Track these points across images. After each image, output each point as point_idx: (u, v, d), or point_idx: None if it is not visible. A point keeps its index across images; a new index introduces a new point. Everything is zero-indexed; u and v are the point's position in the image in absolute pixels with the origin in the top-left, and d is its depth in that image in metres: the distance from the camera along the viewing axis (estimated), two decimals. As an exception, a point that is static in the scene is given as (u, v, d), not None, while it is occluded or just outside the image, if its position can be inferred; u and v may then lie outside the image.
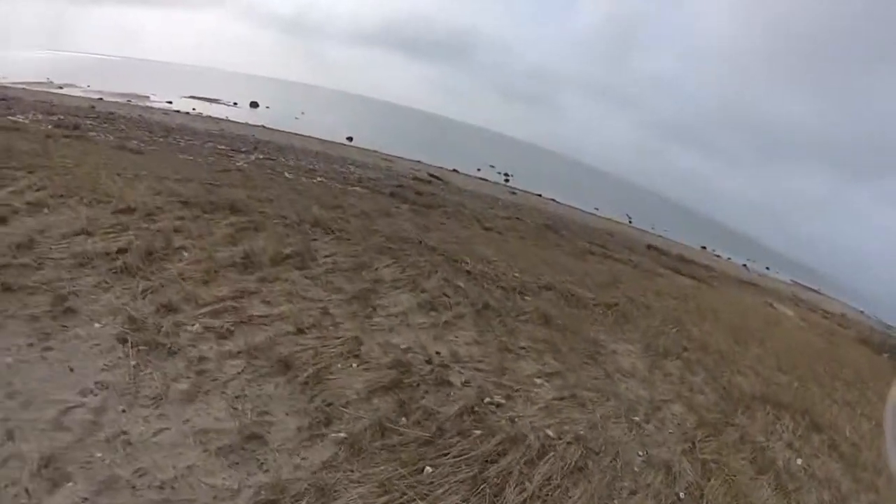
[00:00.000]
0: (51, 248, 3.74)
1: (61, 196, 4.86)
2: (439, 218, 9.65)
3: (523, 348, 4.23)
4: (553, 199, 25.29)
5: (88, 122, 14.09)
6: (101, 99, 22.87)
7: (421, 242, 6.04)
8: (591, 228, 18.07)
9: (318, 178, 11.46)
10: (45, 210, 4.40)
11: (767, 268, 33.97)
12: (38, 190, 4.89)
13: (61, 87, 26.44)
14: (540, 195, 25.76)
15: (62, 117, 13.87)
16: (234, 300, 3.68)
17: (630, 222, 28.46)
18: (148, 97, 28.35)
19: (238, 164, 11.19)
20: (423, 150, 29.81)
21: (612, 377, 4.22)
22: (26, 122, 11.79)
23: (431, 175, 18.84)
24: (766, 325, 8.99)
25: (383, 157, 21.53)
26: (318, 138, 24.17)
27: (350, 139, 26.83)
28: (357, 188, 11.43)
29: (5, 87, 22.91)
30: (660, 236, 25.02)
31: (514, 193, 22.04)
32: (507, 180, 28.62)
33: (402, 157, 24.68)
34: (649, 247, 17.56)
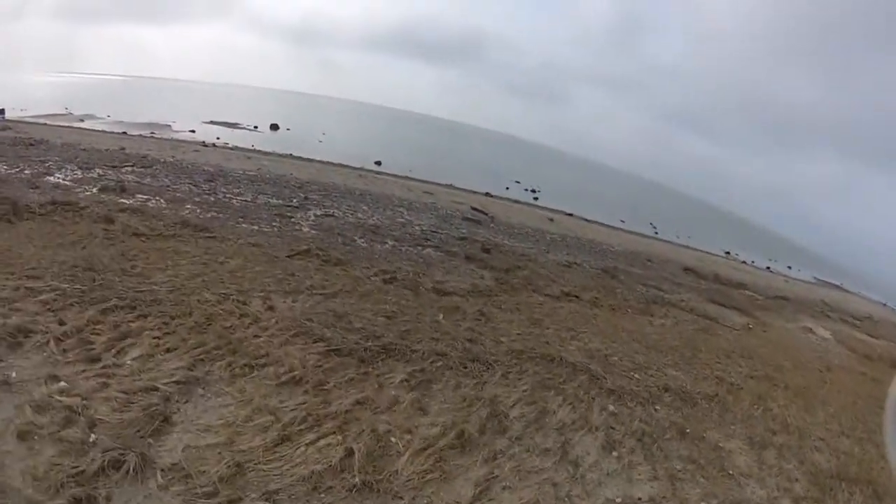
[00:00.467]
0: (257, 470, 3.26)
1: (202, 359, 4.34)
2: (527, 293, 9.73)
3: (680, 470, 4.97)
4: (584, 218, 26.05)
5: (129, 175, 13.69)
6: (125, 134, 22.34)
7: (561, 359, 6.50)
8: (632, 255, 19.19)
9: (389, 243, 11.05)
10: (221, 394, 3.85)
11: (789, 267, 35.77)
12: (167, 350, 4.41)
13: (82, 120, 25.84)
14: (571, 214, 26.30)
15: (101, 172, 13.43)
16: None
17: (656, 233, 30.09)
18: (170, 126, 27.79)
19: (304, 229, 10.90)
20: (450, 170, 30.01)
21: (738, 481, 5.04)
22: (70, 184, 11.46)
23: (475, 210, 18.88)
24: (819, 375, 10.21)
25: (422, 189, 21.11)
26: (350, 167, 24.19)
27: (378, 163, 26.33)
28: (430, 250, 11.14)
29: (28, 124, 22.53)
30: (686, 247, 26.70)
31: (551, 220, 22.16)
32: (535, 198, 29.32)
33: (435, 183, 24.60)
34: (686, 269, 19.28)
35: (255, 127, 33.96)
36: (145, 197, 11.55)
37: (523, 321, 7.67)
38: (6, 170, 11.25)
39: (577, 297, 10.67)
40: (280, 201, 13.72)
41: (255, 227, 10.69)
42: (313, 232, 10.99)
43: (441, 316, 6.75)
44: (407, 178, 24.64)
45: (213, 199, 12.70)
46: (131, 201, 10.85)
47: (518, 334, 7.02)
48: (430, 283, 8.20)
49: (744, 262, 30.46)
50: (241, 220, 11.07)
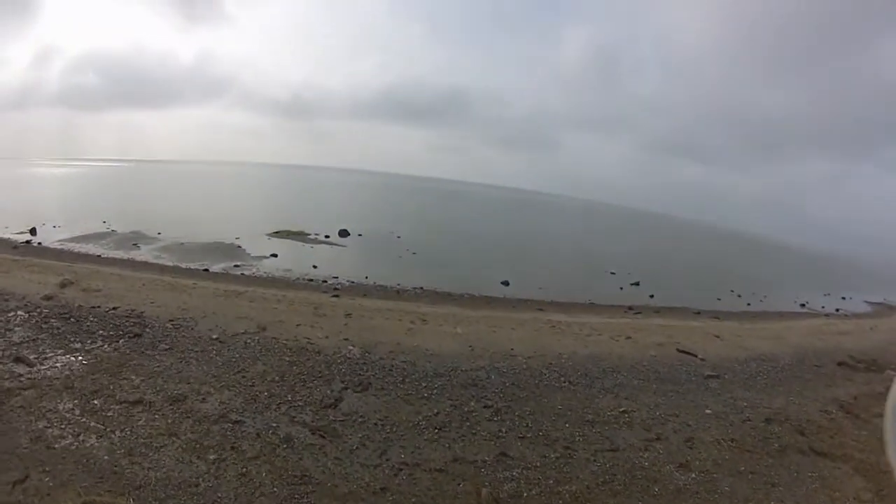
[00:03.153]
0: None
1: None
2: None
3: None
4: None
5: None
6: (207, 271, 17.00)
7: None
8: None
9: None
10: None
11: (843, 297, 31.14)
12: None
13: (136, 245, 20.87)
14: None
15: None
16: None
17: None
18: (240, 247, 22.89)
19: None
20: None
21: None
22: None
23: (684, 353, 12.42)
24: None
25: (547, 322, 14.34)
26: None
27: (506, 284, 21.16)
28: None
29: (82, 260, 18.35)
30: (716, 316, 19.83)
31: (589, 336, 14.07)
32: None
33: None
34: (840, 364, 13.76)
35: (327, 236, 29.34)
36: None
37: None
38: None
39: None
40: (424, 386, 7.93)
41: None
42: None
43: None
44: (539, 302, 18.45)
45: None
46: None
47: None
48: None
49: (839, 311, 26.05)
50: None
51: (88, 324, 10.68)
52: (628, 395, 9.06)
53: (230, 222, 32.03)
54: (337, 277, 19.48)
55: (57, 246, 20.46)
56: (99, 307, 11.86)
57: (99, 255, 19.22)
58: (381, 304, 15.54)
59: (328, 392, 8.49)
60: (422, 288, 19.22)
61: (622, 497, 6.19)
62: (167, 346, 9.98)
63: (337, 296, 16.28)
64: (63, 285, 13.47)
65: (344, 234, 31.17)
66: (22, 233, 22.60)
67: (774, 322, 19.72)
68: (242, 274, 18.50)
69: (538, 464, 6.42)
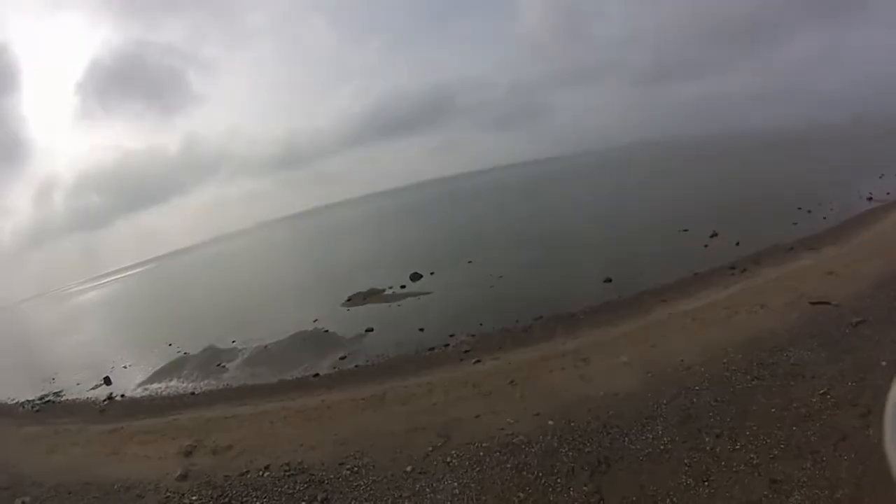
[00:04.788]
0: None
1: None
2: None
3: None
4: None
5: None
6: (318, 377, 15.89)
7: None
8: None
9: None
10: None
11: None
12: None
13: (222, 365, 18.92)
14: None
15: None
16: None
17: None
18: (325, 330, 20.83)
19: None
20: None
21: None
22: None
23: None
24: None
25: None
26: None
27: (609, 280, 18.94)
28: None
29: (174, 407, 17.28)
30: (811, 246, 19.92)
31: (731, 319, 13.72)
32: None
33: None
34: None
35: (403, 286, 27.98)
36: None
37: None
38: None
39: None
40: None
41: None
42: None
43: None
44: (653, 293, 17.15)
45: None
46: None
47: None
48: None
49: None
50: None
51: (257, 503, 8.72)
52: (812, 373, 9.28)
53: (293, 303, 30.51)
54: (454, 335, 17.52)
55: (142, 394, 18.92)
56: (248, 473, 10.01)
57: (193, 393, 17.53)
58: (527, 355, 14.19)
59: (581, 483, 7.63)
60: (541, 317, 17.98)
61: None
62: (376, 508, 8.03)
63: (479, 360, 14.39)
64: (187, 453, 11.71)
65: (416, 277, 29.35)
66: (97, 386, 21.25)
67: (863, 232, 20.27)
68: (357, 366, 16.68)
69: (807, 480, 6.57)
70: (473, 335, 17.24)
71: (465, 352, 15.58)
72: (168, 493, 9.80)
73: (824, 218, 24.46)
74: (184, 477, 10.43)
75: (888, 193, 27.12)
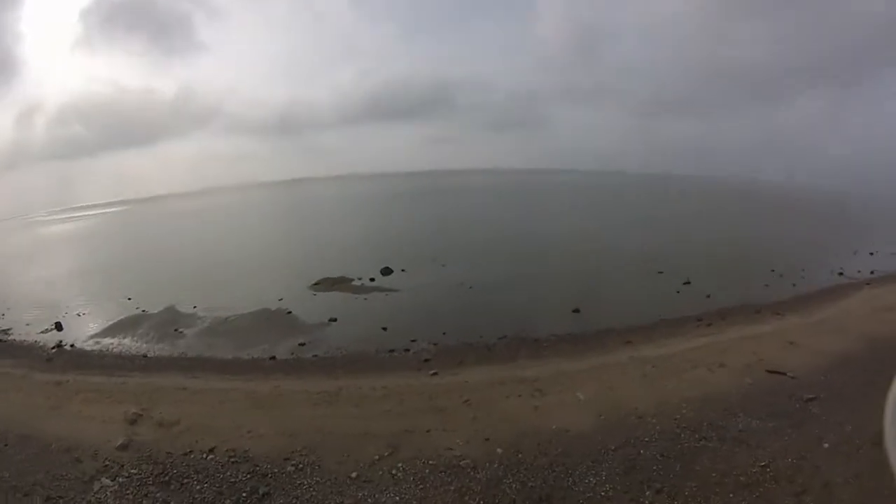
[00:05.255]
0: None
1: None
2: None
3: None
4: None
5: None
6: (275, 360, 16.14)
7: None
8: None
9: None
10: None
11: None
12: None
13: (179, 330, 18.69)
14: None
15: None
16: None
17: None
18: (288, 311, 21.15)
19: None
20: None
21: None
22: None
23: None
24: None
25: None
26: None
27: (577, 311, 19.14)
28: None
29: (124, 368, 17.36)
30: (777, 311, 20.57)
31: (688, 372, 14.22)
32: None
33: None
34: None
35: (372, 279, 27.92)
36: None
37: None
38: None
39: None
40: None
41: None
42: None
43: None
44: (619, 332, 17.29)
45: None
46: None
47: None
48: None
49: (874, 273, 27.20)
50: None
51: (198, 488, 8.85)
52: (757, 443, 9.53)
53: (262, 277, 30.20)
54: (416, 340, 17.72)
55: (93, 347, 18.54)
56: (192, 453, 9.99)
57: (146, 356, 17.27)
58: (485, 375, 14.36)
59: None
60: (505, 336, 18.14)
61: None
62: (316, 509, 8.17)
63: (437, 373, 14.62)
64: (132, 421, 11.59)
65: (387, 272, 29.37)
66: (47, 330, 20.70)
67: (829, 306, 20.87)
68: (315, 356, 16.68)
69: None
70: (436, 344, 17.38)
71: (425, 361, 15.72)
72: (107, 462, 9.70)
73: (794, 285, 25.13)
74: (125, 447, 10.32)
75: (859, 272, 28.01)
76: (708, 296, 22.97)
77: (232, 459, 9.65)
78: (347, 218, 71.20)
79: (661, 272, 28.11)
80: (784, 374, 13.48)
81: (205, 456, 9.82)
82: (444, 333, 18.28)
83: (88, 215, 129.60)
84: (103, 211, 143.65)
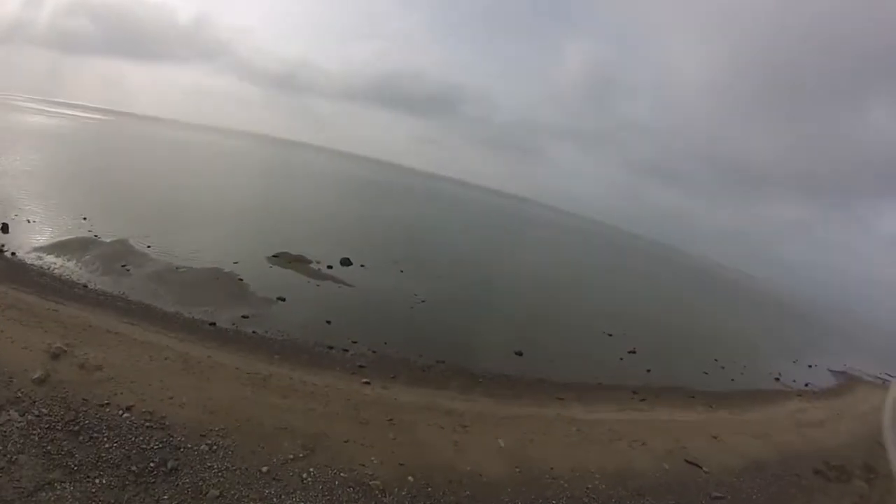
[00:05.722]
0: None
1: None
2: None
3: None
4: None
5: None
6: (215, 326, 16.51)
7: None
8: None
9: None
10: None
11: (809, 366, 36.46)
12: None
13: (126, 267, 18.37)
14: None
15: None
16: None
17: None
18: (240, 278, 21.14)
19: None
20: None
21: None
22: None
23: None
24: None
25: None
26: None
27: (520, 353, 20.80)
28: None
29: (60, 295, 17.31)
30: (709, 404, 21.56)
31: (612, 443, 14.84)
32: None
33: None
34: (816, 472, 16.54)
35: (330, 267, 28.07)
36: None
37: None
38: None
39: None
40: None
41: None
42: None
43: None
44: (555, 385, 18.05)
45: None
46: None
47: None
48: None
49: (808, 386, 29.66)
50: None
51: (107, 445, 8.74)
52: None
53: (225, 229, 29.81)
54: (356, 342, 17.97)
55: (34, 261, 18.01)
56: (108, 406, 9.86)
57: (86, 286, 16.85)
58: (414, 398, 14.64)
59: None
60: (443, 361, 18.45)
61: None
62: (217, 493, 8.22)
63: (369, 382, 14.83)
64: (55, 355, 11.32)
65: (346, 263, 29.42)
66: (-7, 224, 19.84)
67: (758, 409, 22.05)
68: (255, 333, 16.63)
69: None
70: (374, 351, 17.57)
71: (360, 367, 15.88)
72: (19, 394, 9.47)
73: (732, 380, 26.54)
74: (41, 381, 10.07)
75: (794, 381, 29.99)
76: (649, 370, 23.76)
77: (147, 423, 9.57)
78: (325, 194, 70.57)
79: (611, 335, 28.87)
80: (700, 467, 14.21)
81: (121, 413, 9.68)
82: (385, 343, 18.52)
83: (71, 115, 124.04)
84: (85, 116, 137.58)
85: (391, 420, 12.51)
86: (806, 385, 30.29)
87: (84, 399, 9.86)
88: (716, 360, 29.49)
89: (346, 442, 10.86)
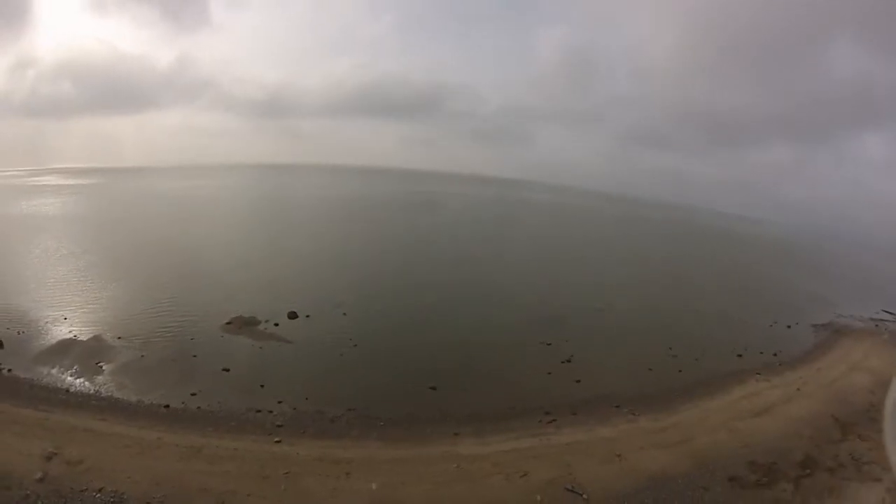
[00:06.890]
0: None
1: None
2: None
3: None
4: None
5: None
6: (168, 408, 21.34)
7: None
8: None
9: None
10: None
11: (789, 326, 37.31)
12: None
13: (100, 365, 23.47)
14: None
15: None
16: None
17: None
18: (194, 355, 26.22)
19: None
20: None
21: None
22: None
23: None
24: None
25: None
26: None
27: (434, 388, 24.22)
28: None
29: (49, 403, 22.16)
30: (633, 411, 22.03)
31: (488, 478, 16.88)
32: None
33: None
34: (731, 479, 15.89)
35: (276, 324, 32.36)
36: None
37: None
38: None
39: None
40: None
41: None
42: None
43: None
44: (457, 419, 20.45)
45: None
46: None
47: None
48: None
49: (776, 356, 29.38)
50: None
51: (86, 522, 13.83)
52: None
53: (188, 304, 34.29)
54: (282, 402, 22.06)
55: (25, 374, 22.88)
56: (86, 491, 14.94)
57: (68, 391, 21.78)
58: (314, 450, 17.92)
59: None
60: (354, 409, 21.68)
61: None
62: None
63: (280, 441, 18.83)
64: (48, 457, 16.40)
65: (293, 316, 33.87)
66: (-13, 344, 24.82)
67: (694, 405, 22.07)
68: (199, 408, 21.24)
69: None
70: (295, 408, 21.69)
71: (278, 426, 20.09)
72: (27, 493, 14.43)
73: (680, 371, 26.81)
74: (41, 480, 15.07)
75: (761, 353, 29.46)
76: (578, 381, 24.95)
77: (112, 499, 14.58)
78: (297, 223, 75.90)
79: (549, 344, 29.54)
80: (581, 495, 14.55)
81: (95, 494, 14.65)
82: (306, 398, 22.48)
83: (51, 185, 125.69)
84: (68, 182, 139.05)
85: (287, 473, 16.06)
86: (774, 355, 29.53)
87: (71, 488, 14.78)
88: (670, 348, 29.90)
89: (248, 496, 14.89)
